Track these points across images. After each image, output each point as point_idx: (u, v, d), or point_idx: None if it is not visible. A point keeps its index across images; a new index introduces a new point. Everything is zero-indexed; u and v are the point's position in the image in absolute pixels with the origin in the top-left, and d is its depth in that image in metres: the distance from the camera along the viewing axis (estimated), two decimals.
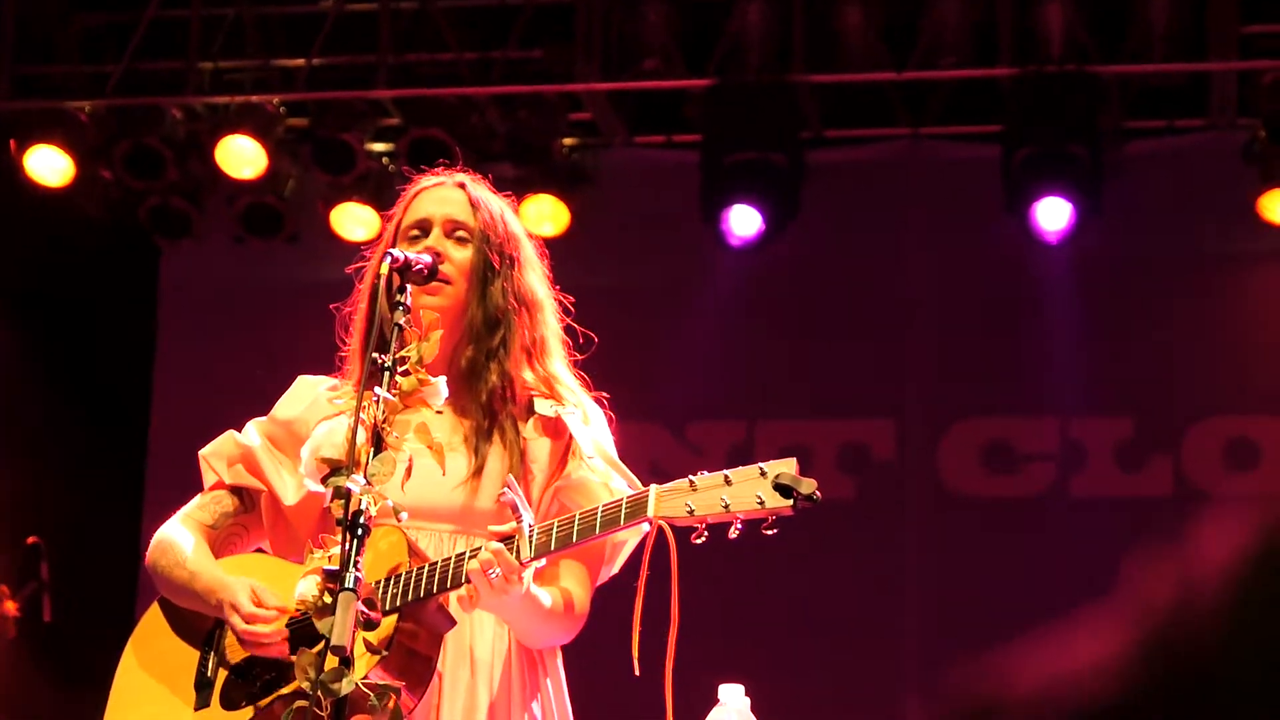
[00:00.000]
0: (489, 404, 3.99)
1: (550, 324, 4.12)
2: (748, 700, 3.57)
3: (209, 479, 4.15)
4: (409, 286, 3.74)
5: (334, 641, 3.30)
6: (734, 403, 9.44)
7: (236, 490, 4.12)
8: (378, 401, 3.53)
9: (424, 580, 3.70)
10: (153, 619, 4.11)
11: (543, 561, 3.70)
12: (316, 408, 4.07)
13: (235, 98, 9.25)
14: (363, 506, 3.43)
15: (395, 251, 3.77)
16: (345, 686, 3.34)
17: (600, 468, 3.94)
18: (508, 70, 9.26)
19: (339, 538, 3.42)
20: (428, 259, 3.84)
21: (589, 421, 4.02)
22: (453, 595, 3.74)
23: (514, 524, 3.68)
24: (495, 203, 4.15)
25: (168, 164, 9.32)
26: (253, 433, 4.12)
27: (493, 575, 3.64)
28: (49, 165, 9.25)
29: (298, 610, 3.75)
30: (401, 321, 3.66)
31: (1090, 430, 9.18)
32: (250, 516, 4.12)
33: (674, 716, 3.58)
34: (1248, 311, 9.17)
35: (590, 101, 9.28)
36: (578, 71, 9.10)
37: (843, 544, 9.03)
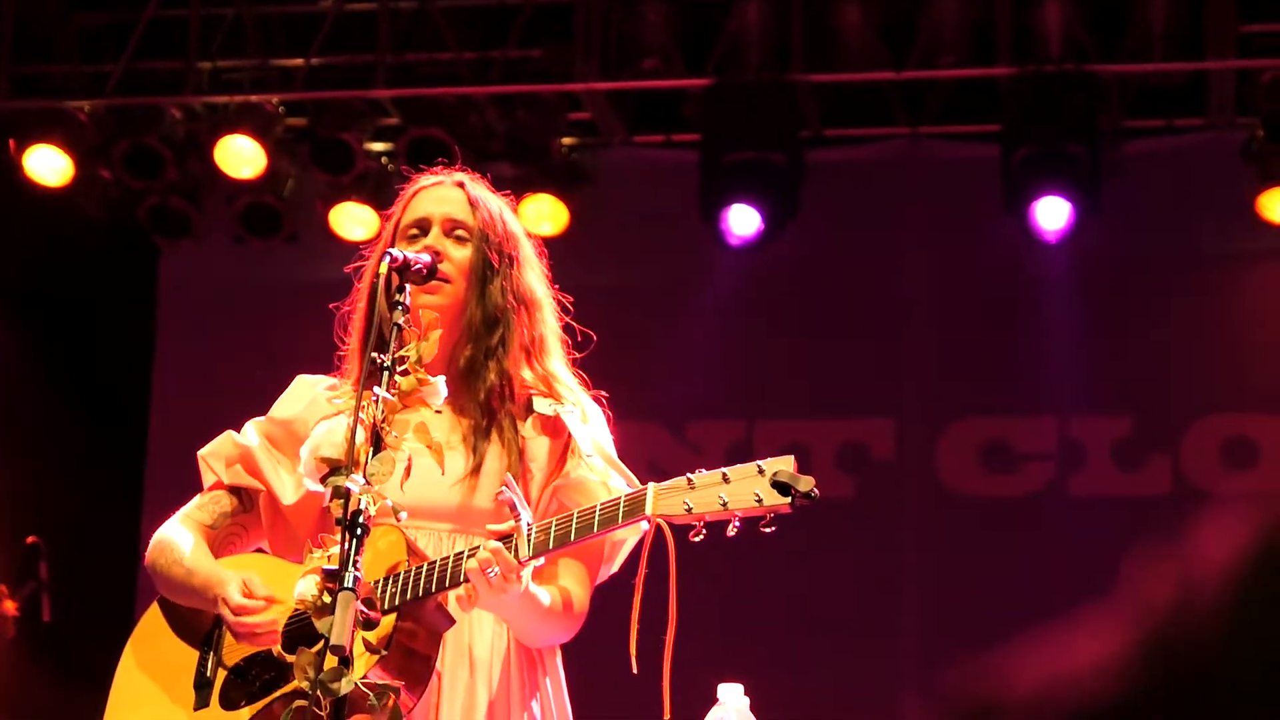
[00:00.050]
0: (488, 403, 3.99)
1: (549, 323, 4.12)
2: (747, 699, 3.57)
3: (208, 479, 4.15)
4: (408, 286, 3.75)
5: (333, 641, 3.30)
6: (733, 402, 9.44)
7: (235, 490, 4.12)
8: (377, 401, 3.53)
9: (423, 579, 3.70)
10: (152, 619, 4.11)
11: (541, 560, 3.70)
12: (315, 407, 4.07)
13: (234, 97, 9.25)
14: (362, 506, 3.43)
15: (394, 251, 3.78)
16: (344, 686, 3.34)
17: (599, 466, 3.94)
18: (507, 70, 9.27)
19: (338, 537, 3.42)
20: (427, 258, 3.84)
21: (588, 420, 4.03)
22: (451, 594, 3.75)
23: (512, 523, 3.68)
24: (494, 202, 4.15)
25: (167, 164, 9.32)
26: (251, 433, 4.12)
27: (491, 574, 3.64)
28: (48, 165, 9.25)
29: (296, 609, 3.76)
30: (400, 321, 3.66)
31: (1089, 429, 9.19)
32: (249, 516, 4.12)
33: (673, 715, 3.58)
34: (1246, 310, 9.17)
35: (589, 101, 9.28)
36: (577, 71, 9.10)
37: (842, 543, 9.03)
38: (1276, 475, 8.91)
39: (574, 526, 3.66)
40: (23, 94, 9.51)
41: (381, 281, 3.75)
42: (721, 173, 8.90)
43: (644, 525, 3.64)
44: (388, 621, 3.65)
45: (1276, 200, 8.75)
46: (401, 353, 3.62)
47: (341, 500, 3.43)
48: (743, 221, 8.93)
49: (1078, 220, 8.76)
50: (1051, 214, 8.76)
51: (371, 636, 3.57)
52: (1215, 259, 9.16)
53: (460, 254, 4.04)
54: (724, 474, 3.57)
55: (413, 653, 3.70)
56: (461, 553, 3.70)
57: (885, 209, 9.46)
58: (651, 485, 3.62)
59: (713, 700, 3.57)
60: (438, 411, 3.71)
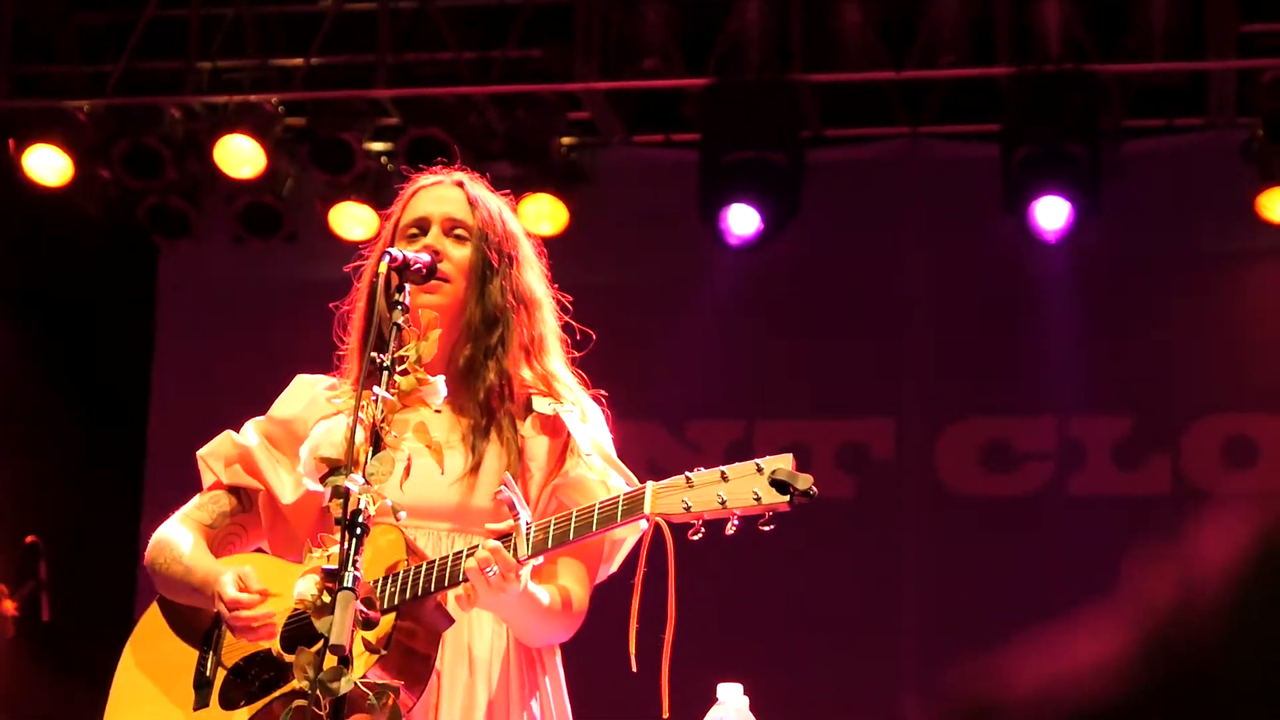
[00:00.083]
0: (487, 402, 3.99)
1: (548, 322, 4.12)
2: (746, 699, 3.57)
3: (207, 479, 4.15)
4: (407, 285, 3.75)
5: (333, 641, 3.30)
6: (733, 401, 9.44)
7: (234, 490, 4.12)
8: (376, 401, 3.53)
9: (422, 579, 3.70)
10: (152, 619, 4.11)
11: (540, 559, 3.70)
12: (315, 407, 4.07)
13: (234, 97, 9.25)
14: (361, 506, 3.43)
15: (394, 250, 3.78)
16: (344, 686, 3.34)
17: (598, 465, 3.93)
18: (506, 69, 9.27)
19: (337, 537, 3.42)
20: (426, 258, 3.84)
21: (587, 419, 4.02)
22: (450, 594, 3.74)
23: (511, 522, 3.68)
24: (493, 201, 4.15)
25: (166, 163, 9.31)
26: (250, 432, 4.12)
27: (490, 573, 3.64)
28: (48, 165, 9.25)
29: (296, 609, 3.75)
30: (400, 320, 3.66)
31: (1089, 429, 9.19)
32: (248, 516, 4.12)
33: (672, 714, 3.58)
34: (1246, 310, 9.17)
35: (589, 101, 9.28)
36: (576, 71, 9.10)
37: (841, 543, 9.04)
38: (1276, 475, 8.91)
39: (573, 525, 3.66)
40: (22, 94, 9.51)
41: (381, 281, 3.75)
42: (721, 172, 8.89)
43: (643, 524, 3.64)
44: (387, 621, 3.65)
45: (1276, 200, 8.75)
46: (401, 352, 3.62)
47: (341, 500, 3.43)
48: (742, 221, 8.93)
49: (1078, 220, 8.76)
50: (1051, 213, 8.76)
51: (371, 636, 3.57)
52: (1215, 259, 9.17)
53: (460, 253, 4.04)
54: (722, 472, 3.57)
55: (412, 652, 3.70)
56: (460, 552, 3.70)
57: (885, 209, 9.46)
58: (650, 484, 3.62)
59: (712, 699, 3.56)
60: (437, 411, 3.71)
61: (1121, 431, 9.17)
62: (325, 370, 4.18)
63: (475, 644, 3.91)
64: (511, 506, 3.68)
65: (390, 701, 3.47)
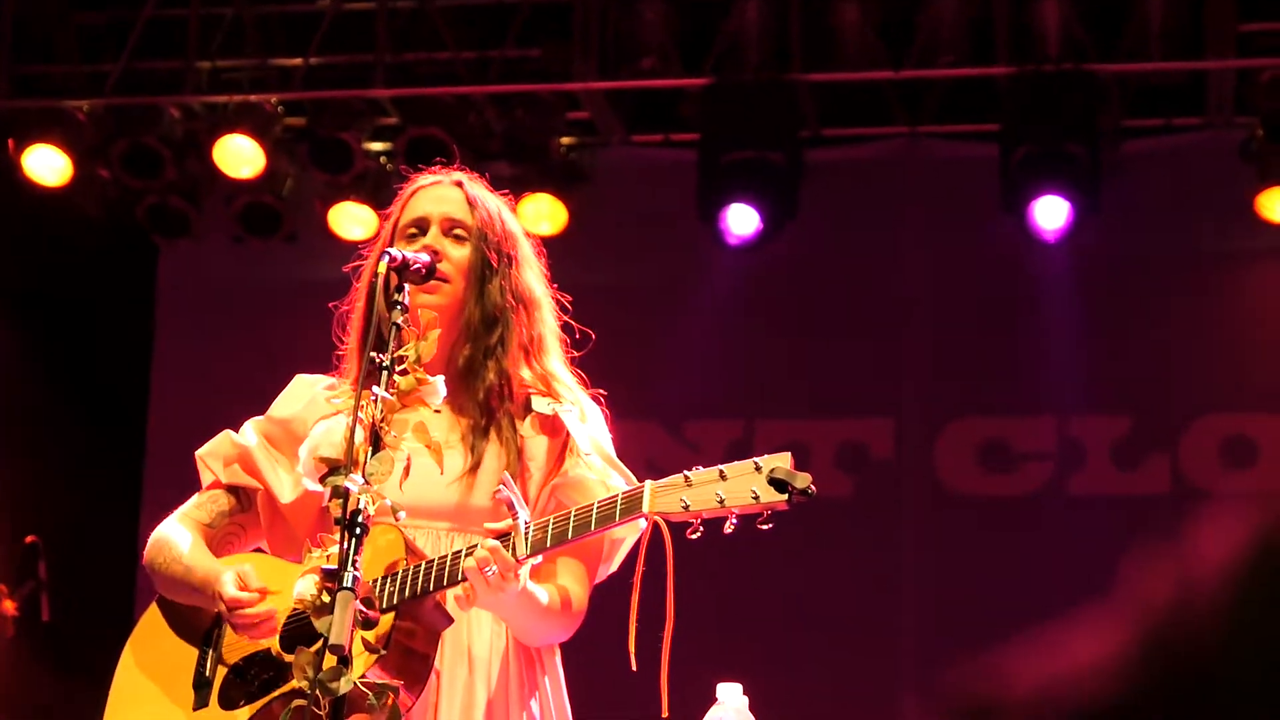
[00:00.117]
0: (486, 402, 3.99)
1: (548, 322, 4.12)
2: (745, 699, 3.57)
3: (206, 478, 4.15)
4: (407, 285, 3.75)
5: (332, 640, 3.30)
6: (732, 401, 9.44)
7: (233, 490, 4.12)
8: (375, 400, 3.53)
9: (421, 578, 3.70)
10: (151, 619, 4.11)
11: (539, 559, 3.70)
12: (314, 407, 4.07)
13: (233, 97, 9.25)
14: (361, 506, 3.43)
15: (393, 250, 3.78)
16: (343, 685, 3.34)
17: (598, 465, 3.94)
18: (505, 69, 9.27)
19: (337, 537, 3.42)
20: (425, 258, 3.84)
21: (586, 419, 4.03)
22: (450, 593, 3.74)
23: (510, 521, 3.68)
24: (492, 201, 4.15)
25: (166, 163, 9.32)
26: (250, 432, 4.12)
27: (489, 573, 3.65)
28: (47, 165, 9.25)
29: (295, 609, 3.75)
30: (399, 320, 3.66)
31: (1088, 429, 9.19)
32: (247, 516, 4.12)
33: (671, 713, 3.58)
34: (1245, 309, 9.17)
35: (588, 100, 9.28)
36: (575, 70, 9.10)
37: (840, 542, 9.04)
38: (1276, 474, 8.91)
39: (571, 524, 3.66)
40: (22, 93, 9.51)
41: (380, 281, 3.75)
42: (720, 172, 8.89)
43: (641, 523, 3.64)
44: (386, 620, 3.65)
45: (1275, 199, 8.75)
46: (400, 352, 3.62)
47: (340, 500, 3.43)
48: (741, 221, 8.93)
49: (1077, 219, 8.76)
50: (1050, 213, 8.76)
51: (370, 635, 3.57)
52: (1214, 258, 9.17)
53: (459, 253, 4.04)
54: (721, 471, 3.57)
55: (411, 651, 3.70)
56: (459, 551, 3.70)
57: (884, 208, 9.46)
58: (649, 483, 3.62)
59: (710, 698, 3.57)
60: (436, 411, 3.71)
61: (1121, 431, 9.17)
62: (325, 370, 4.18)
63: (474, 643, 3.91)
64: (510, 506, 3.68)
65: (390, 701, 3.47)
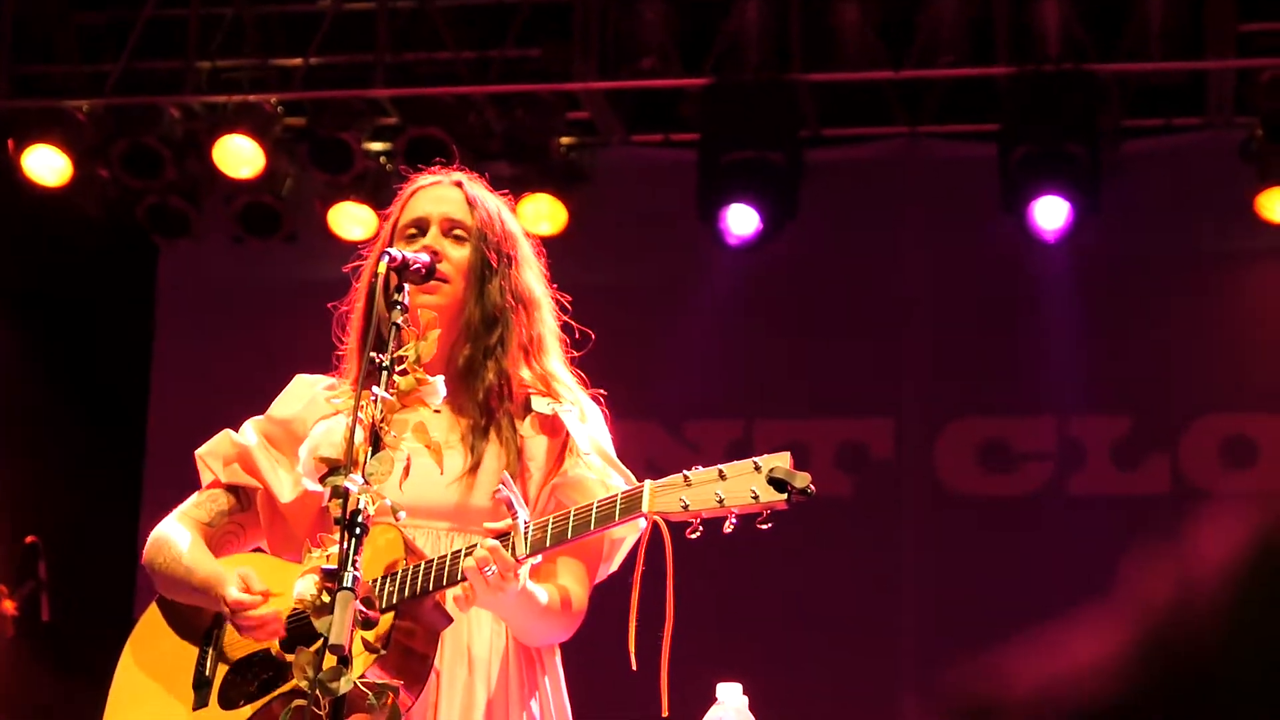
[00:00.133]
0: (486, 402, 3.99)
1: (547, 322, 4.12)
2: (745, 699, 3.57)
3: (205, 478, 4.15)
4: (406, 285, 3.75)
5: (332, 640, 3.30)
6: (732, 401, 9.44)
7: (232, 489, 4.12)
8: (375, 401, 3.53)
9: (420, 578, 3.70)
10: (151, 619, 4.11)
11: (538, 558, 3.70)
12: (314, 407, 4.07)
13: (233, 97, 9.25)
14: (360, 506, 3.43)
15: (393, 251, 3.78)
16: (343, 685, 3.34)
17: (597, 465, 3.94)
18: (505, 69, 9.27)
19: (337, 536, 3.42)
20: (425, 258, 3.84)
21: (586, 419, 4.03)
22: (449, 593, 3.74)
23: (509, 521, 3.68)
24: (492, 201, 4.15)
25: (166, 163, 9.31)
26: (249, 432, 4.12)
27: (488, 572, 3.65)
28: (47, 165, 9.25)
29: (295, 609, 3.76)
30: (399, 320, 3.66)
31: (1088, 429, 9.18)
32: (247, 515, 4.12)
33: (671, 713, 3.58)
34: (1245, 309, 9.17)
35: (587, 100, 9.28)
36: (575, 70, 9.10)
37: (840, 542, 9.04)
38: (1276, 474, 8.90)
39: (571, 524, 3.66)
40: (21, 93, 9.51)
41: (380, 281, 3.76)
42: (720, 172, 8.89)
43: (641, 523, 3.64)
44: (385, 620, 3.65)
45: (1275, 199, 8.75)
46: (400, 352, 3.63)
47: (340, 500, 3.43)
48: (741, 221, 8.93)
49: (1076, 219, 8.75)
50: (1050, 213, 8.76)
51: (370, 635, 3.57)
52: (1214, 258, 9.17)
53: (458, 254, 4.04)
54: (720, 471, 3.57)
55: (410, 651, 3.70)
56: (459, 551, 3.70)
57: (884, 208, 9.46)
58: (648, 482, 3.63)
59: (710, 698, 3.57)
60: (436, 411, 3.71)
61: (1120, 431, 9.17)
62: (324, 370, 4.18)
63: (474, 643, 3.91)
64: (509, 505, 3.68)
65: (389, 701, 3.47)
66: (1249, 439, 9.07)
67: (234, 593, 3.83)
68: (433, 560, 3.72)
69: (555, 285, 4.19)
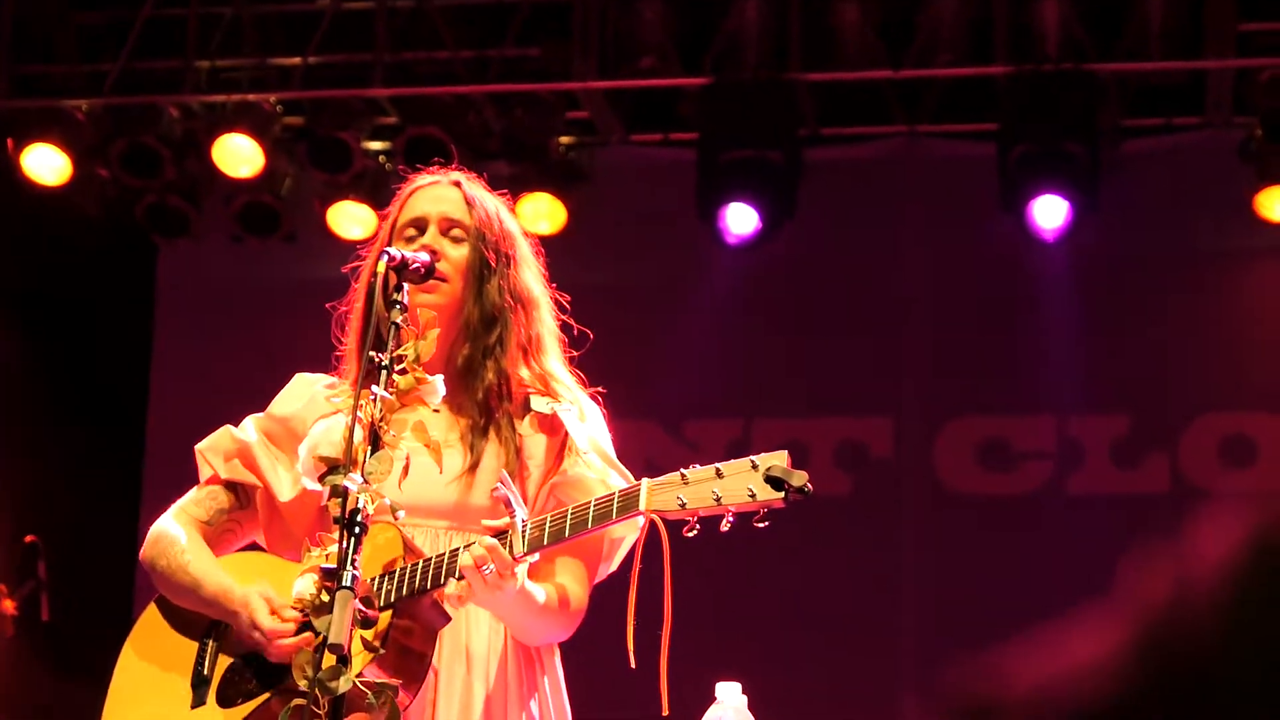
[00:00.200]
0: (485, 401, 3.99)
1: (546, 321, 4.12)
2: (744, 698, 3.57)
3: (204, 473, 4.14)
4: (406, 285, 3.75)
5: (331, 639, 3.30)
6: (731, 400, 9.44)
7: (232, 486, 4.11)
8: (375, 400, 3.53)
9: (418, 576, 3.70)
10: (150, 618, 4.11)
11: (536, 556, 3.70)
12: (314, 405, 4.06)
13: (232, 96, 9.25)
14: (360, 505, 3.43)
15: (392, 250, 3.78)
16: (343, 684, 3.34)
17: (597, 464, 3.94)
18: (504, 68, 9.26)
19: (336, 535, 3.42)
20: (425, 257, 3.85)
21: (585, 418, 4.03)
22: (445, 589, 3.74)
23: (508, 520, 3.68)
24: (491, 201, 4.15)
25: (165, 163, 9.31)
26: (250, 428, 4.12)
27: (486, 571, 3.64)
28: (46, 164, 9.24)
29: (295, 608, 3.76)
30: (398, 320, 3.66)
31: (1087, 428, 9.18)
32: (245, 513, 4.12)
33: (670, 712, 3.58)
34: (1244, 308, 9.17)
35: (587, 100, 9.28)
36: (574, 70, 9.10)
37: (840, 541, 9.04)
38: (1275, 473, 8.90)
39: (568, 522, 3.66)
40: (21, 93, 9.50)
41: (379, 280, 3.76)
42: (719, 171, 8.89)
43: (639, 521, 3.64)
44: (383, 619, 3.65)
45: (1274, 199, 8.75)
46: (399, 351, 3.63)
47: (339, 499, 3.43)
48: (740, 220, 8.93)
49: (1076, 219, 8.75)
50: (1049, 212, 8.76)
51: (368, 634, 3.57)
52: (1213, 257, 9.16)
53: (457, 253, 4.04)
54: (717, 469, 3.57)
55: (408, 650, 3.70)
56: (457, 549, 3.70)
57: (883, 207, 9.46)
58: (645, 481, 3.62)
59: (709, 697, 3.57)
60: (435, 410, 3.71)
61: (1120, 430, 9.17)
62: (324, 369, 4.18)
63: (473, 642, 3.91)
64: (507, 504, 3.68)
65: (388, 700, 3.47)
66: (1248, 438, 9.07)
67: (267, 620, 3.82)
68: (430, 559, 3.72)
69: (554, 285, 4.20)
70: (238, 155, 9.22)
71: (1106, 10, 8.89)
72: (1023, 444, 9.28)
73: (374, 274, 3.81)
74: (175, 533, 4.05)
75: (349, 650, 3.33)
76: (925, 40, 8.90)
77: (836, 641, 9.01)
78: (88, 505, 9.51)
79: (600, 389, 4.14)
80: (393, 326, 3.65)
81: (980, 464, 9.28)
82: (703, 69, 9.02)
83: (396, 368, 3.61)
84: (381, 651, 3.62)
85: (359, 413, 3.50)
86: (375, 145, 9.45)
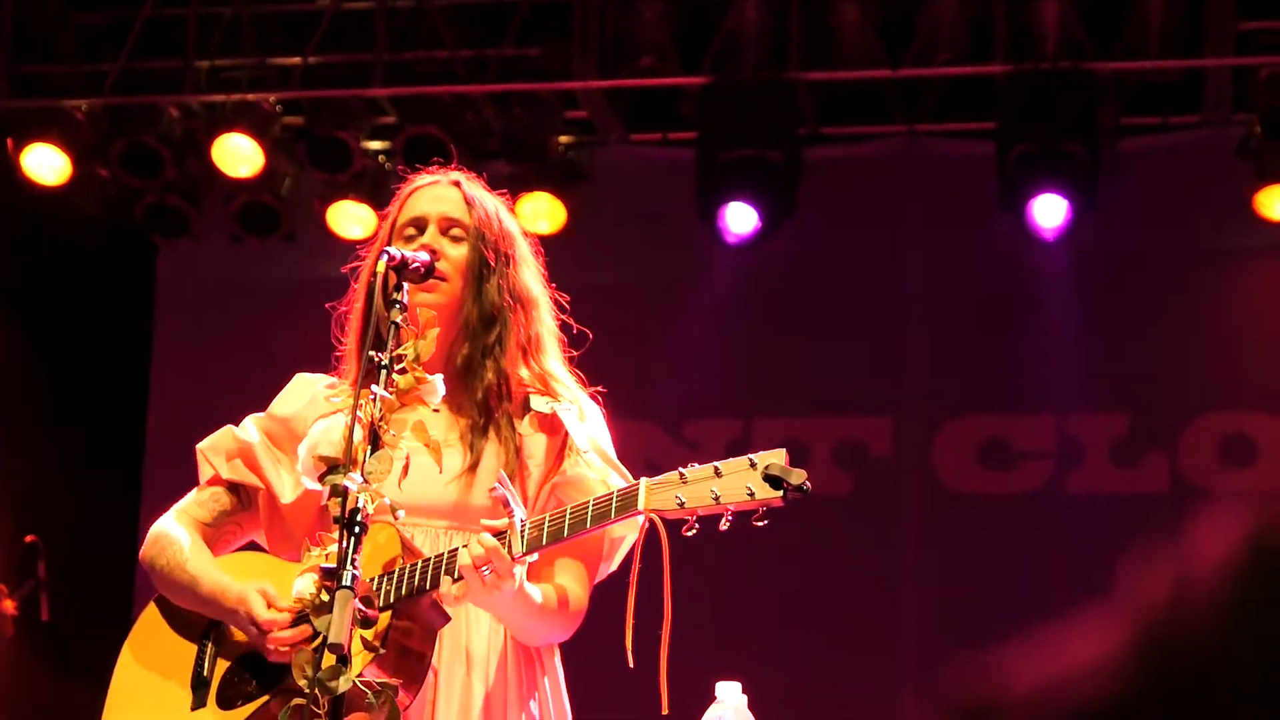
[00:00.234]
0: (485, 401, 4.00)
1: (546, 321, 4.12)
2: (744, 698, 3.57)
3: (205, 473, 4.14)
4: (405, 284, 3.75)
5: (331, 639, 3.30)
6: (730, 400, 9.43)
7: (233, 487, 4.11)
8: (374, 399, 3.53)
9: (418, 576, 3.70)
10: (150, 618, 4.11)
11: (534, 556, 3.70)
12: (314, 405, 4.06)
13: (232, 96, 9.25)
14: (360, 504, 3.43)
15: (392, 250, 3.78)
16: (343, 684, 3.34)
17: (597, 464, 3.94)
18: (504, 68, 9.26)
19: (336, 535, 3.42)
20: (424, 257, 3.85)
21: (585, 418, 4.03)
22: (443, 589, 3.74)
23: (507, 519, 3.68)
24: (490, 200, 4.15)
25: (165, 162, 9.31)
26: (251, 429, 4.12)
27: (484, 571, 3.64)
28: (46, 164, 9.24)
29: (295, 607, 3.76)
30: (398, 319, 3.66)
31: (1086, 427, 9.18)
32: (246, 514, 4.11)
33: (670, 712, 3.58)
34: (1243, 307, 9.17)
35: (586, 99, 9.28)
36: (574, 69, 9.10)
37: (839, 541, 9.04)
38: (1274, 473, 8.90)
39: (567, 522, 3.66)
40: (21, 93, 9.50)
41: (379, 280, 3.75)
42: (719, 170, 8.89)
43: (638, 520, 3.63)
44: (383, 619, 3.64)
45: (1273, 197, 8.75)
46: (399, 351, 3.63)
47: (339, 498, 3.43)
48: (740, 219, 8.93)
49: (1075, 217, 8.75)
50: (1049, 211, 8.76)
51: (368, 634, 3.57)
52: (1212, 256, 9.16)
53: (457, 253, 4.04)
54: (716, 468, 3.57)
55: (408, 650, 3.70)
56: (456, 549, 3.70)
57: (883, 206, 9.45)
58: (644, 480, 3.62)
59: (708, 697, 3.57)
60: (435, 410, 3.71)
61: (1119, 430, 9.16)
62: (324, 369, 4.18)
63: (472, 642, 3.91)
64: (506, 504, 3.68)
65: (388, 700, 3.47)
66: (1248, 437, 9.07)
67: (263, 611, 3.82)
68: (429, 559, 3.72)
69: (554, 284, 4.20)
70: (237, 155, 9.22)
71: (1106, 9, 8.89)
72: (1022, 443, 9.28)
73: (374, 273, 3.81)
74: (175, 533, 4.05)
75: (349, 650, 3.33)
76: (925, 40, 8.90)
77: (836, 641, 9.01)
78: (88, 505, 9.51)
79: (600, 389, 4.14)
80: (392, 326, 3.65)
81: (980, 463, 9.27)
82: (702, 68, 9.02)
83: (396, 367, 3.61)
84: (381, 651, 3.62)
85: (359, 412, 3.50)
86: (375, 145, 9.45)
